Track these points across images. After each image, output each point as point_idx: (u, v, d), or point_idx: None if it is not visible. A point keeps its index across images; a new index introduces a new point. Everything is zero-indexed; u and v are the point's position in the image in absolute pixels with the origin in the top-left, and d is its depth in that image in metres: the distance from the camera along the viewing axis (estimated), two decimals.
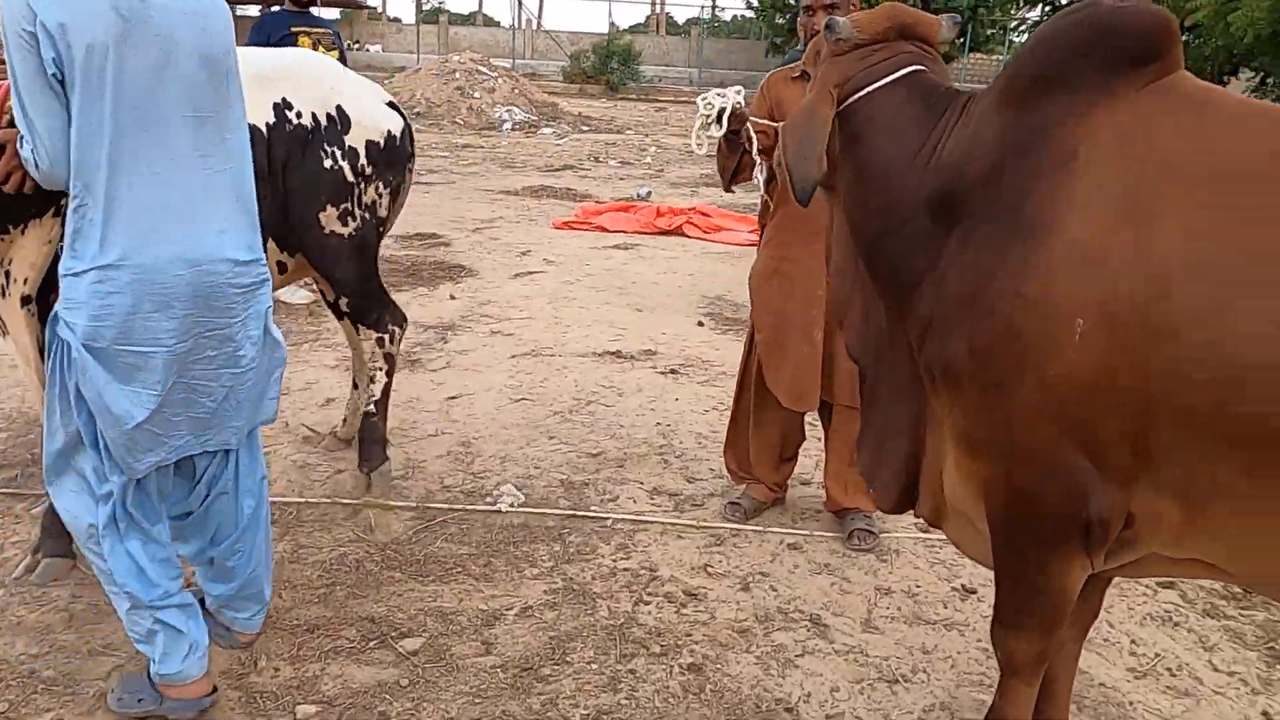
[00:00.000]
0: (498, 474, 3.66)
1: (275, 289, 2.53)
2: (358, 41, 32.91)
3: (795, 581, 3.02)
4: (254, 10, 26.30)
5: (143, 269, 1.99)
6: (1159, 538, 1.65)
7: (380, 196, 3.09)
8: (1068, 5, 1.77)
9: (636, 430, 4.16)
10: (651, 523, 3.33)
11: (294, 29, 4.80)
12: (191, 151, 2.04)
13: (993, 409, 1.72)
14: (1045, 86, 1.72)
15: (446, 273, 6.76)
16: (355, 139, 2.98)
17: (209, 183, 2.08)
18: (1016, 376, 1.67)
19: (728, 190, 3.47)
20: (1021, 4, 28.45)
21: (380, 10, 40.02)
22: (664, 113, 23.14)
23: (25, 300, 2.52)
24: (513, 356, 5.06)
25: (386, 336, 3.27)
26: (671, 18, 41.39)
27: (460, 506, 3.36)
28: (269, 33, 4.79)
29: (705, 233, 8.53)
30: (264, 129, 2.78)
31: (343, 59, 4.76)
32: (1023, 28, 28.98)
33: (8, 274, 2.50)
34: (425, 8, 41.09)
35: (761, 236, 3.38)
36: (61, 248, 2.05)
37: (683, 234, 8.54)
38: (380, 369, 3.31)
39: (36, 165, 1.99)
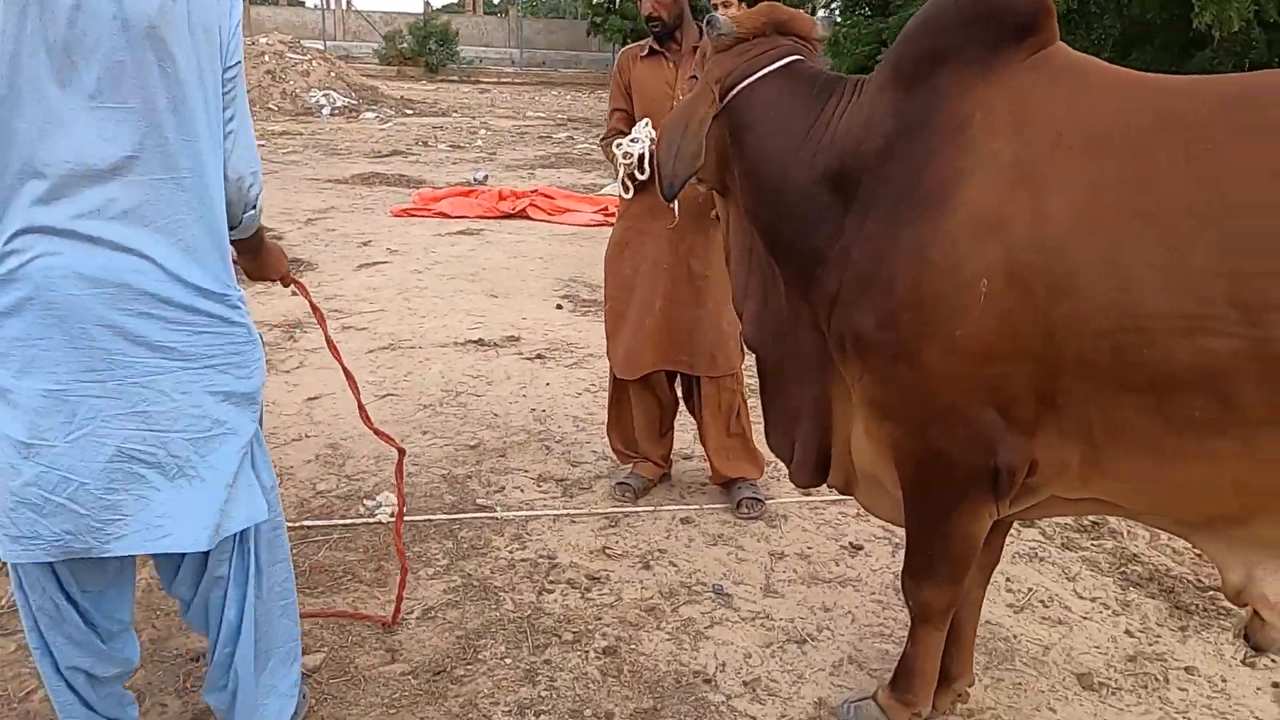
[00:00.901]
0: (374, 474, 3.51)
1: None
2: None
3: (693, 555, 3.06)
4: None
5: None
6: (1062, 481, 1.77)
7: None
8: None
9: (512, 418, 4.10)
10: (543, 514, 3.28)
11: None
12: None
13: (903, 373, 1.80)
14: (935, 62, 1.80)
15: None
16: None
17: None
18: (925, 340, 1.74)
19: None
20: None
21: None
22: (488, 94, 22.76)
23: None
24: (370, 351, 4.86)
25: None
26: None
27: (338, 520, 3.20)
28: None
29: (550, 214, 8.46)
30: None
31: None
32: None
33: None
34: None
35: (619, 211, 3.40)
36: None
37: (527, 217, 8.45)
38: None
39: None
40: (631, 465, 3.50)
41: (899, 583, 2.86)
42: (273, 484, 1.97)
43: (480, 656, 2.50)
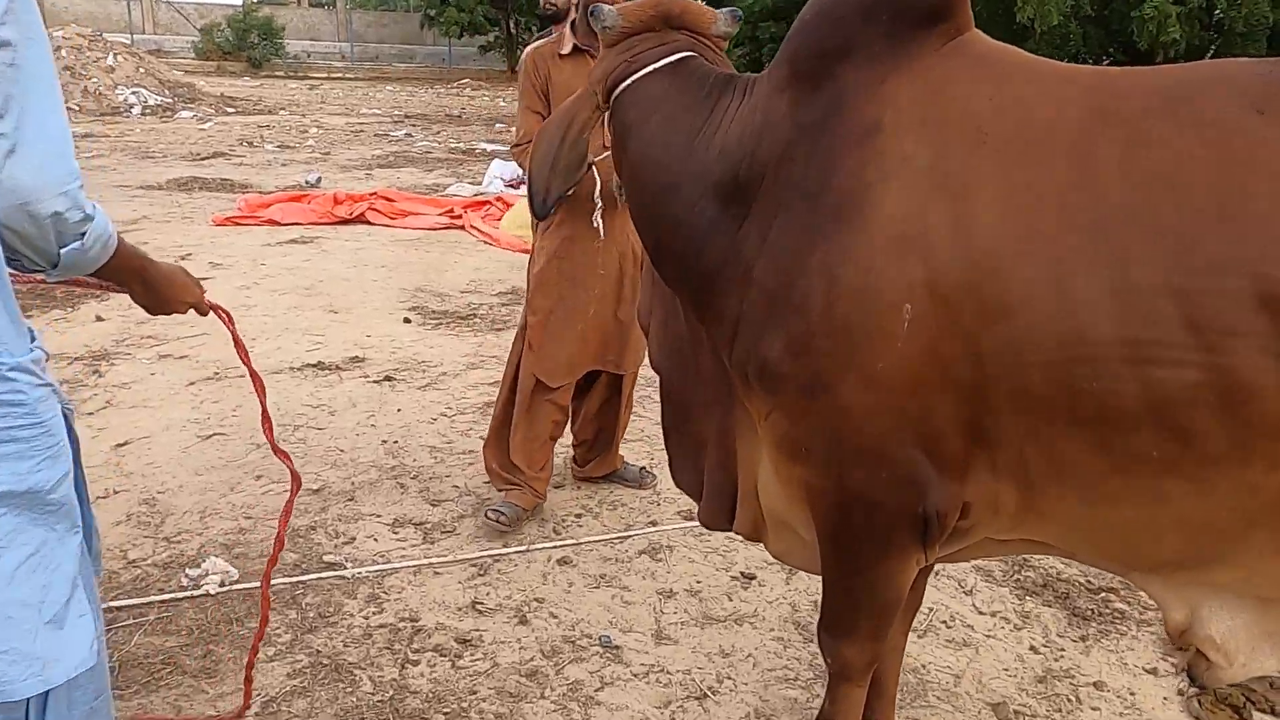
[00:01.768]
0: (198, 534, 3.03)
1: None
2: None
3: (574, 602, 2.76)
4: None
5: None
6: (996, 523, 1.58)
7: None
8: None
9: (360, 453, 3.67)
10: (402, 567, 2.91)
11: None
12: None
13: (816, 409, 1.56)
14: (835, 57, 1.57)
15: (86, 288, 5.66)
16: None
17: None
18: (842, 372, 1.51)
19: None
20: None
21: None
22: (318, 90, 21.61)
23: None
24: (191, 384, 4.30)
25: None
26: None
27: (155, 597, 2.73)
28: None
29: (391, 219, 7.95)
30: None
31: None
32: None
33: None
34: None
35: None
36: None
37: (366, 222, 7.90)
38: None
39: None
40: (504, 492, 3.18)
41: (799, 618, 2.69)
42: (92, 621, 1.41)
43: None
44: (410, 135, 14.48)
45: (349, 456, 3.64)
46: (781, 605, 2.77)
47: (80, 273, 1.48)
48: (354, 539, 3.05)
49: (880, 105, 1.51)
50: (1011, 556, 3.06)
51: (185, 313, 1.78)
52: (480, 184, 9.69)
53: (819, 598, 2.78)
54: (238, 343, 1.99)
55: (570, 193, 1.97)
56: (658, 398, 2.11)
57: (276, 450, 2.10)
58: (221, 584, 2.74)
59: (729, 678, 2.44)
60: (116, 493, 3.27)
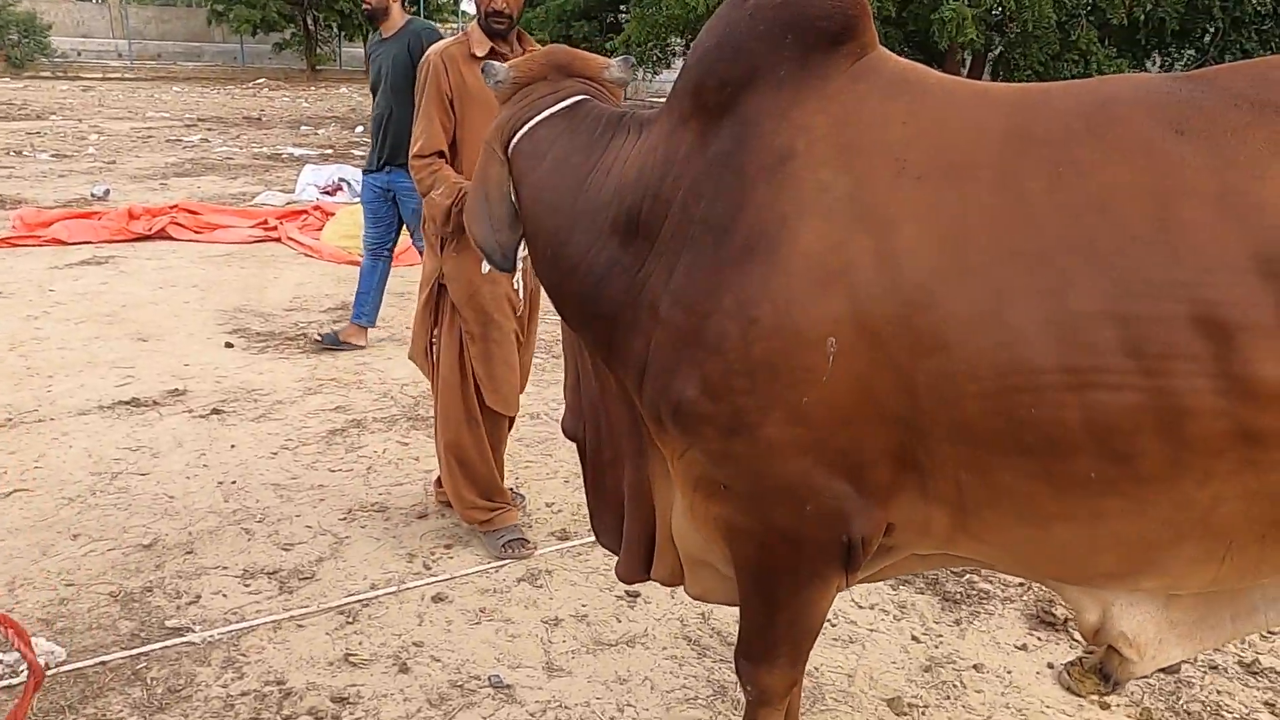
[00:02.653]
0: (9, 609, 2.65)
1: None
2: None
3: (455, 642, 2.60)
4: None
5: None
6: (924, 543, 1.58)
7: None
8: None
9: (194, 498, 3.34)
10: (259, 624, 2.65)
11: None
12: None
13: (738, 448, 1.51)
14: (740, 85, 1.52)
15: None
16: None
17: None
18: (763, 411, 1.46)
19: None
20: None
21: None
22: (94, 93, 19.78)
23: None
24: None
25: None
26: None
27: None
28: None
29: (197, 233, 7.34)
30: None
31: None
32: None
33: None
34: None
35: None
36: None
37: (168, 237, 7.26)
38: None
39: None
40: (493, 516, 3.06)
41: (689, 632, 2.65)
42: None
43: None
44: (207, 140, 13.48)
45: (181, 503, 3.29)
46: (670, 621, 2.72)
47: None
48: (199, 597, 2.76)
49: (792, 133, 1.46)
50: None
51: None
52: (293, 192, 9.13)
53: (707, 610, 2.78)
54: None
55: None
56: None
57: (12, 633, 1.80)
58: (46, 666, 2.40)
59: (629, 705, 2.37)
60: None
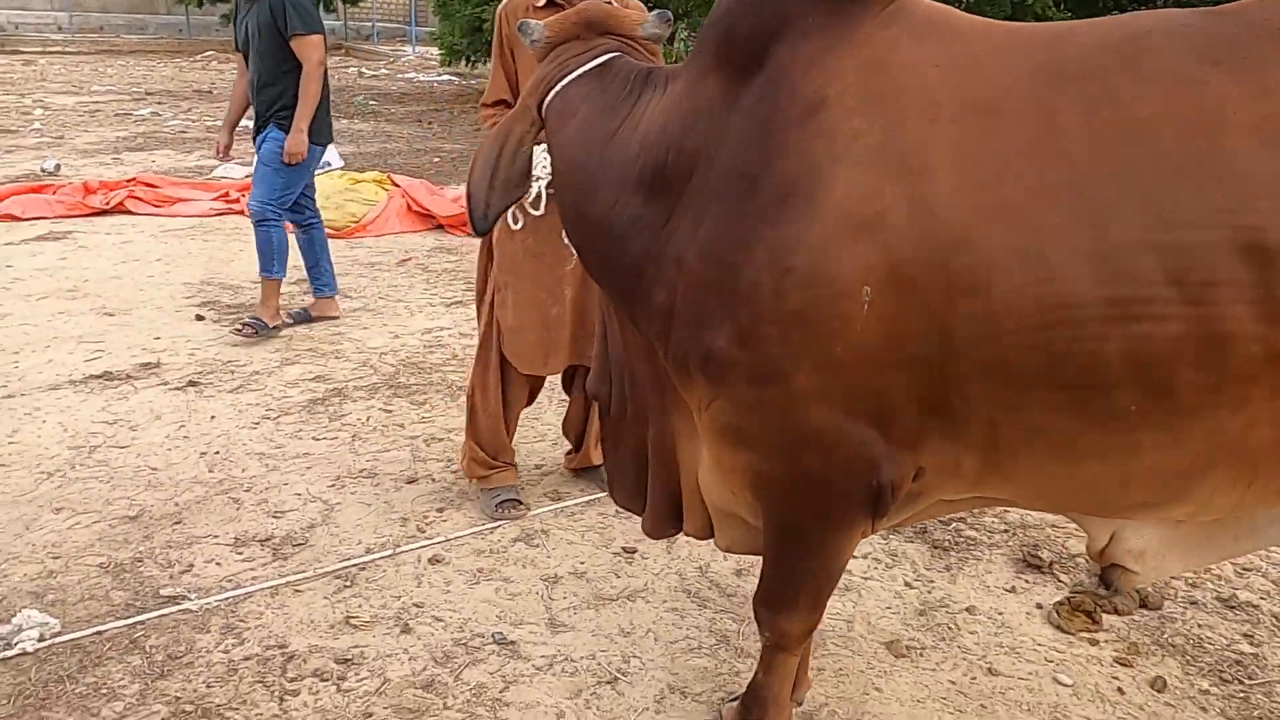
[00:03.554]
0: (1, 581, 2.60)
1: None
2: None
3: (456, 602, 2.61)
4: None
5: None
6: (953, 486, 1.60)
7: None
8: None
9: (177, 470, 3.29)
10: (256, 589, 2.63)
11: None
12: None
13: (767, 396, 1.52)
14: (769, 34, 1.52)
15: None
16: None
17: None
18: (794, 360, 1.47)
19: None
20: None
21: None
22: (35, 68, 19.14)
23: None
24: None
25: None
26: None
27: None
28: None
29: (157, 206, 7.16)
30: None
31: None
32: None
33: None
34: None
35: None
36: None
37: (127, 211, 7.07)
38: None
39: None
40: (489, 475, 3.04)
41: (688, 585, 2.68)
42: None
43: None
44: (157, 114, 13.11)
45: (165, 475, 3.24)
46: (669, 575, 2.74)
47: None
48: (191, 566, 2.73)
49: (823, 81, 1.46)
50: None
51: None
52: (251, 165, 8.93)
53: (704, 563, 2.81)
54: None
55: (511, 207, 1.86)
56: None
57: None
58: (41, 638, 2.36)
59: (635, 656, 2.39)
60: None
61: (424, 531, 2.96)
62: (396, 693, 2.24)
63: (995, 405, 1.42)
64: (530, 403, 3.13)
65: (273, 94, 4.49)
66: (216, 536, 2.88)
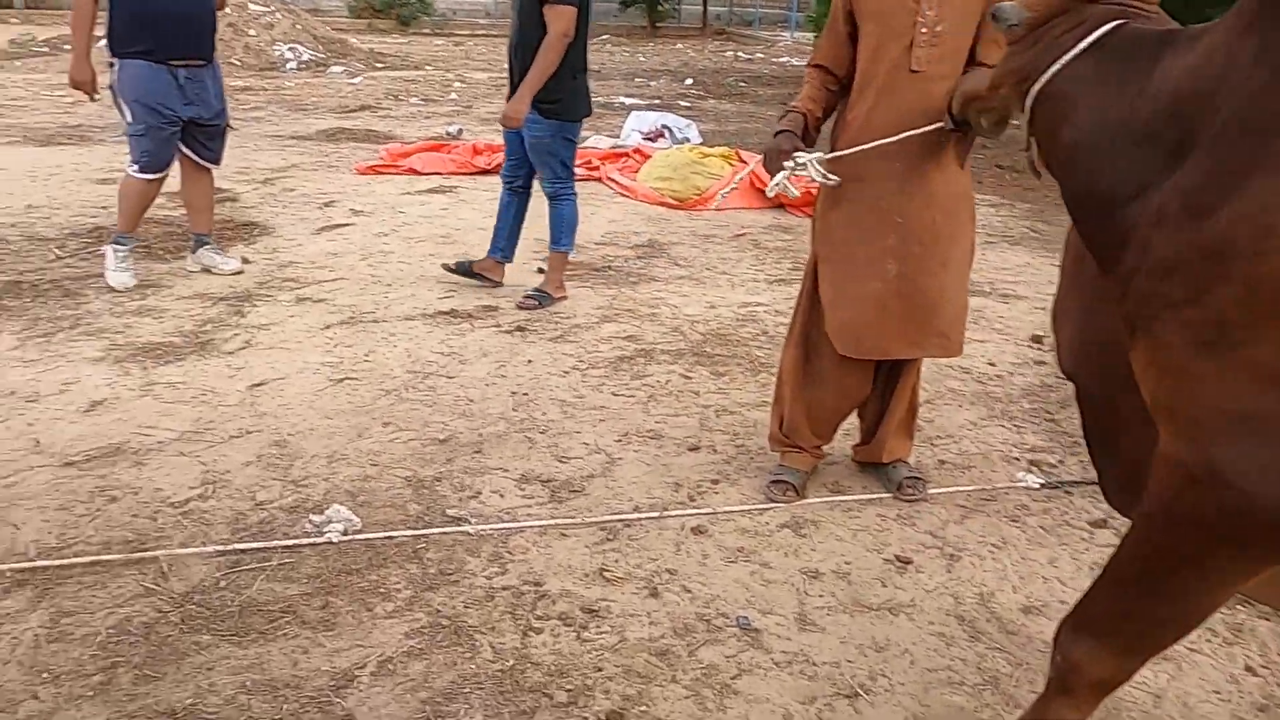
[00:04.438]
0: (325, 479, 2.95)
1: None
2: None
3: (708, 576, 2.53)
4: None
5: None
6: None
7: None
8: None
9: (489, 404, 3.54)
10: (527, 527, 2.74)
11: None
12: None
13: (1199, 366, 1.28)
14: None
15: (236, 232, 5.76)
16: None
17: None
18: (1251, 329, 1.23)
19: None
20: None
21: None
22: (463, 48, 21.85)
23: None
24: (327, 327, 4.27)
25: None
26: None
27: (278, 542, 2.65)
28: None
29: None
30: None
31: None
32: None
33: None
34: None
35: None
36: None
37: None
38: None
39: None
40: (782, 454, 2.99)
41: (963, 611, 2.37)
42: None
43: None
44: None
45: (478, 407, 3.51)
46: (943, 596, 2.46)
47: None
48: (479, 493, 2.91)
49: None
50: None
51: None
52: (618, 137, 9.47)
53: (988, 590, 2.48)
54: None
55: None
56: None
57: None
58: (344, 533, 2.64)
59: (883, 675, 2.16)
60: (249, 433, 3.24)
61: (694, 501, 2.91)
62: (631, 654, 2.21)
63: None
64: (859, 399, 2.90)
65: (529, 60, 4.33)
66: (506, 470, 3.05)
